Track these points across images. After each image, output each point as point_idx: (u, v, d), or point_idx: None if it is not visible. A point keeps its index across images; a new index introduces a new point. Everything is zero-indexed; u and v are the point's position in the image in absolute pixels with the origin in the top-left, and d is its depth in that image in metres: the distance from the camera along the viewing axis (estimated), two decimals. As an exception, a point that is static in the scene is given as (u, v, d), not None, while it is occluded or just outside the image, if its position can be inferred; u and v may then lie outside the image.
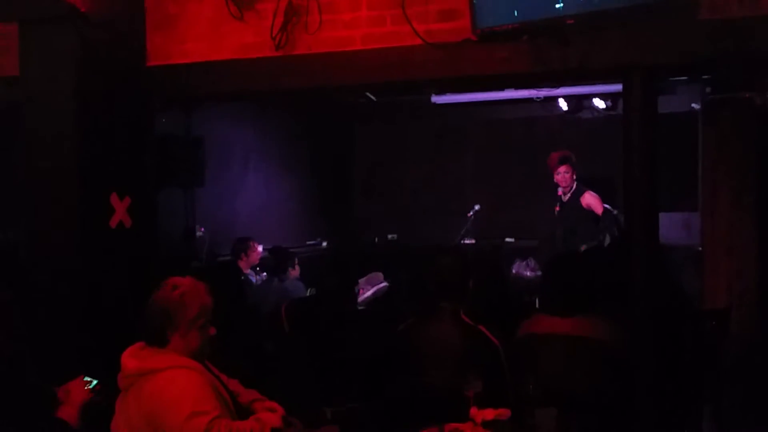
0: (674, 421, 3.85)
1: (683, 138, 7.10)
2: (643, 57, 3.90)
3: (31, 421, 2.71)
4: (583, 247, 6.16)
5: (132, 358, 2.76)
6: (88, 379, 2.93)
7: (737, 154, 6.33)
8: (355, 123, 10.05)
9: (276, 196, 8.80)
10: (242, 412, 2.89)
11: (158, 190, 4.90)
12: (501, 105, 8.83)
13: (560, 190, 6.63)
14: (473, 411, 3.00)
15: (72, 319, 4.05)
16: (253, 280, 6.66)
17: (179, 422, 2.58)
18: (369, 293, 5.78)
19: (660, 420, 3.81)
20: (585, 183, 6.67)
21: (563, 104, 8.73)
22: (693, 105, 7.22)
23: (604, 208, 6.41)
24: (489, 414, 2.97)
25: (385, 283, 5.93)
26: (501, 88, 7.10)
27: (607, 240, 6.13)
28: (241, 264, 6.54)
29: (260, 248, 6.78)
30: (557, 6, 3.77)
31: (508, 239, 8.37)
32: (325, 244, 9.15)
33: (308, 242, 8.94)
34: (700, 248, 6.57)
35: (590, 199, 6.48)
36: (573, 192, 6.57)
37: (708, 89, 6.58)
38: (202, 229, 7.04)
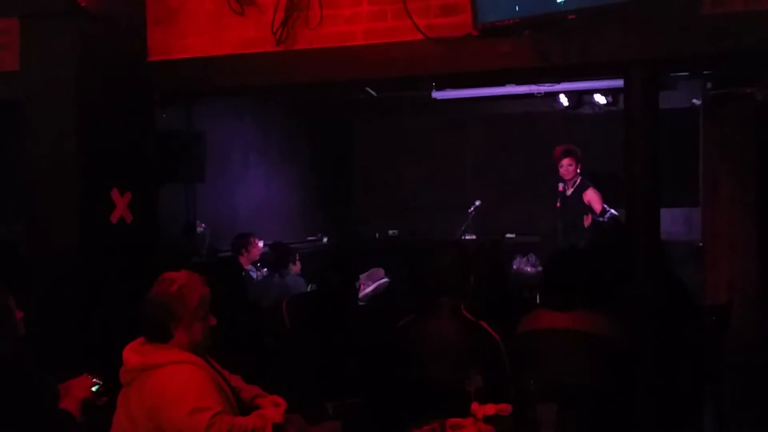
0: (674, 419, 3.85)
1: (684, 134, 7.11)
2: (645, 52, 3.89)
3: (34, 411, 2.71)
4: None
5: (134, 353, 2.75)
6: (93, 379, 2.93)
7: (738, 149, 6.34)
8: (356, 118, 10.04)
9: (277, 191, 8.80)
10: (244, 408, 2.89)
11: (159, 186, 4.91)
12: (502, 101, 8.83)
13: (561, 186, 6.64)
14: (474, 406, 3.00)
15: (73, 315, 4.04)
16: (254, 275, 6.65)
17: (181, 417, 2.57)
18: (370, 289, 5.77)
19: (660, 418, 3.80)
20: (590, 178, 6.67)
21: (564, 100, 8.72)
22: (694, 100, 7.23)
23: (603, 208, 6.40)
24: (490, 409, 2.97)
25: (386, 279, 5.92)
26: (502, 83, 7.08)
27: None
28: (242, 260, 6.53)
29: (261, 244, 6.77)
30: (558, 1, 3.77)
31: (508, 235, 8.38)
32: (325, 239, 9.15)
33: (309, 238, 8.94)
34: (701, 243, 6.59)
35: (591, 196, 6.48)
36: (576, 186, 6.58)
37: (709, 85, 6.58)
38: (203, 225, 7.03)
